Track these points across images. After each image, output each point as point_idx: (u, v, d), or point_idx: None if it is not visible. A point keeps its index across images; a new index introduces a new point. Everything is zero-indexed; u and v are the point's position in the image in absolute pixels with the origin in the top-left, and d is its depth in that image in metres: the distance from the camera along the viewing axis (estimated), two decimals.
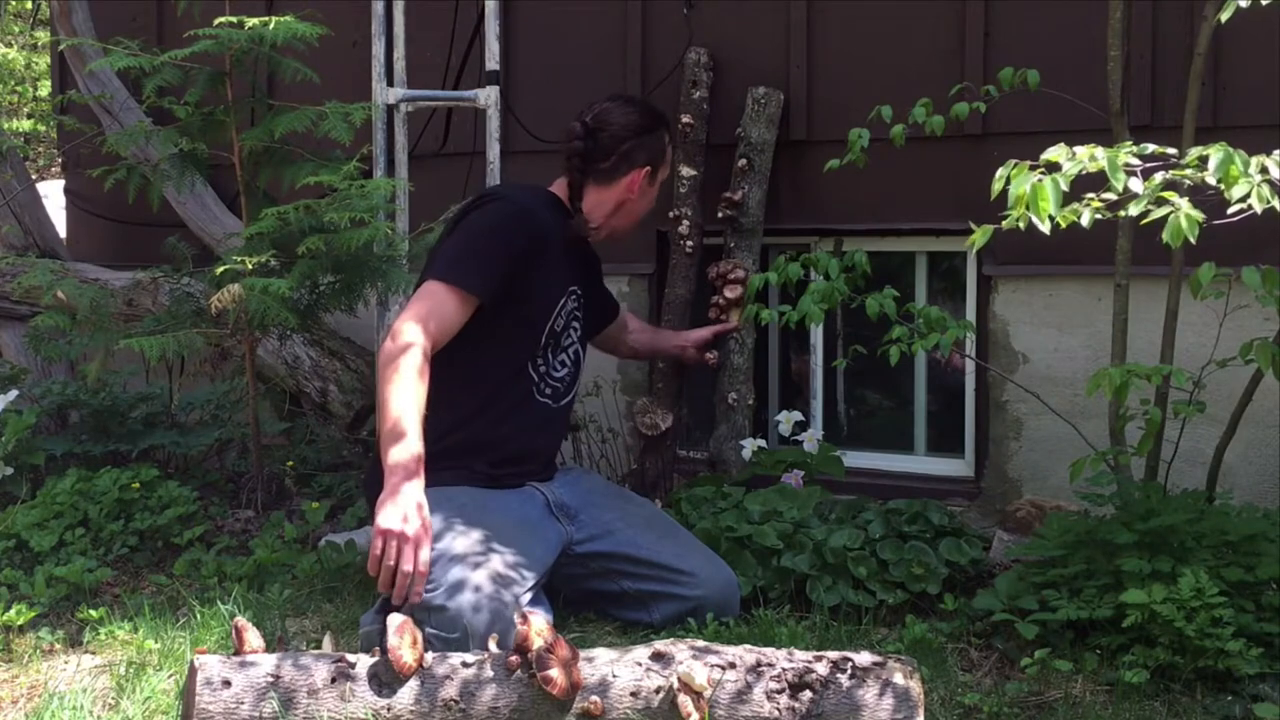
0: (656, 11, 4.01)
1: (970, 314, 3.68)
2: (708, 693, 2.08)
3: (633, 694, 2.10)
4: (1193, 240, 1.99)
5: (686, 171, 3.74)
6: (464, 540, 2.48)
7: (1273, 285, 2.35)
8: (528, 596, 2.46)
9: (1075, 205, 2.10)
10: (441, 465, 2.57)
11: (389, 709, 2.06)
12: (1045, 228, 2.06)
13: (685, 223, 3.74)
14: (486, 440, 2.75)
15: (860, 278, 3.07)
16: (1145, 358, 2.91)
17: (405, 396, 2.45)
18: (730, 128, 3.75)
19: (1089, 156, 2.09)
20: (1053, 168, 2.10)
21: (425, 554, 2.35)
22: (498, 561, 2.46)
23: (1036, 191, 2.05)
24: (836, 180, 3.18)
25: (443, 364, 2.59)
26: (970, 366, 3.67)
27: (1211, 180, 2.06)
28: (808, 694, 2.10)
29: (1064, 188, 2.07)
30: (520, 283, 2.74)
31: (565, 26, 4.16)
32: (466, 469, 2.69)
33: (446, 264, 2.69)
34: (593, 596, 2.79)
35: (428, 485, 2.46)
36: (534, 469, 2.84)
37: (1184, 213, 2.00)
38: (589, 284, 3.03)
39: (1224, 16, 2.36)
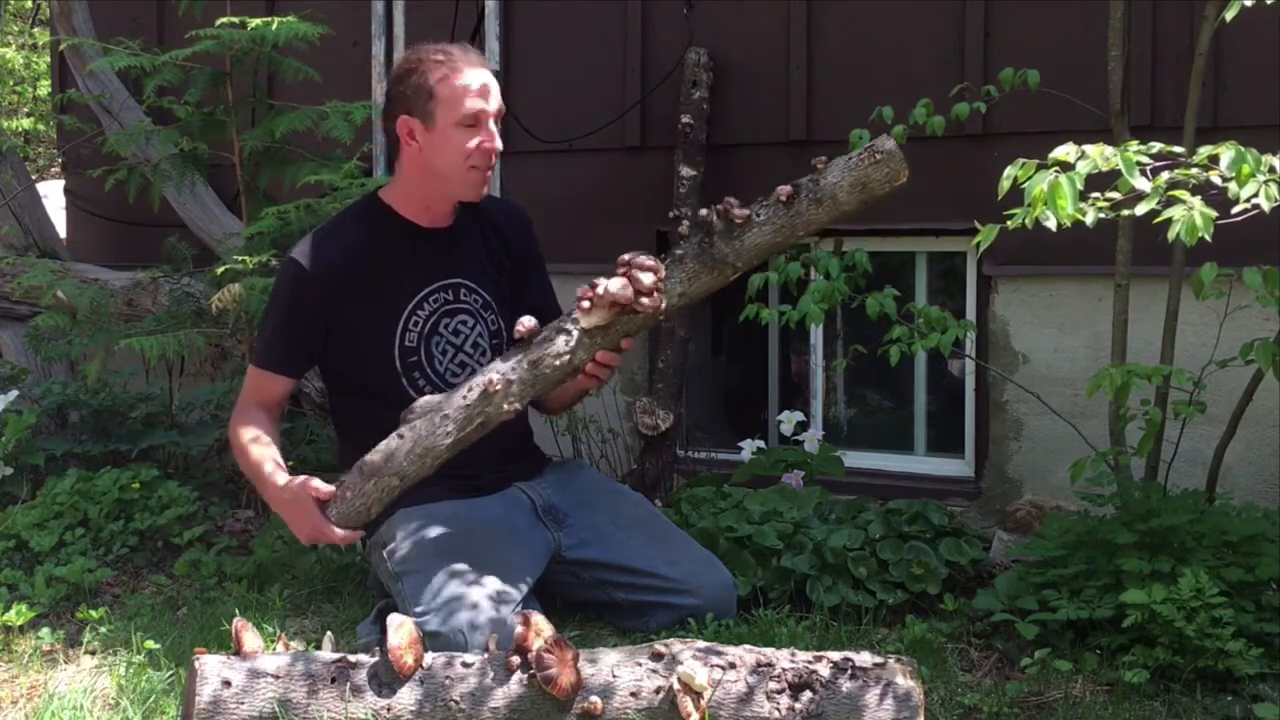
0: (656, 11, 4.01)
1: (970, 314, 3.68)
2: (708, 693, 2.08)
3: (633, 694, 2.10)
4: (1208, 237, 1.99)
5: (686, 171, 3.74)
6: (450, 560, 2.48)
7: (1273, 286, 2.35)
8: (518, 608, 2.43)
9: (1080, 205, 2.10)
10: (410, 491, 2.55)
11: (389, 709, 2.06)
12: (1052, 225, 2.06)
13: (685, 223, 3.73)
14: None
15: (860, 277, 3.07)
16: (1145, 358, 2.91)
17: (255, 457, 2.58)
18: (730, 128, 3.75)
19: (1100, 155, 2.09)
20: (1064, 167, 2.10)
21: (332, 533, 2.44)
22: (487, 578, 2.45)
23: (1054, 189, 2.06)
24: None
25: (340, 417, 2.80)
26: (970, 366, 3.67)
27: (1218, 180, 2.06)
28: (808, 694, 2.10)
29: (1079, 185, 2.07)
30: (340, 322, 2.63)
31: (565, 26, 4.16)
32: (434, 486, 2.57)
33: (258, 345, 2.79)
34: (588, 606, 2.76)
35: (410, 504, 2.55)
36: (492, 474, 2.70)
37: (1199, 210, 2.00)
38: (484, 273, 2.75)
39: (1229, 15, 2.36)
